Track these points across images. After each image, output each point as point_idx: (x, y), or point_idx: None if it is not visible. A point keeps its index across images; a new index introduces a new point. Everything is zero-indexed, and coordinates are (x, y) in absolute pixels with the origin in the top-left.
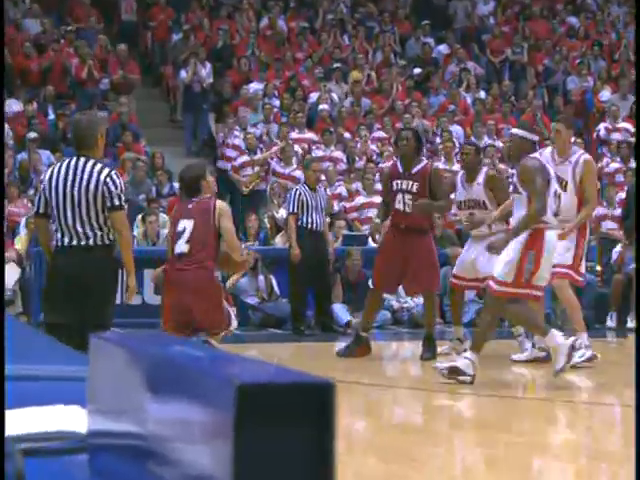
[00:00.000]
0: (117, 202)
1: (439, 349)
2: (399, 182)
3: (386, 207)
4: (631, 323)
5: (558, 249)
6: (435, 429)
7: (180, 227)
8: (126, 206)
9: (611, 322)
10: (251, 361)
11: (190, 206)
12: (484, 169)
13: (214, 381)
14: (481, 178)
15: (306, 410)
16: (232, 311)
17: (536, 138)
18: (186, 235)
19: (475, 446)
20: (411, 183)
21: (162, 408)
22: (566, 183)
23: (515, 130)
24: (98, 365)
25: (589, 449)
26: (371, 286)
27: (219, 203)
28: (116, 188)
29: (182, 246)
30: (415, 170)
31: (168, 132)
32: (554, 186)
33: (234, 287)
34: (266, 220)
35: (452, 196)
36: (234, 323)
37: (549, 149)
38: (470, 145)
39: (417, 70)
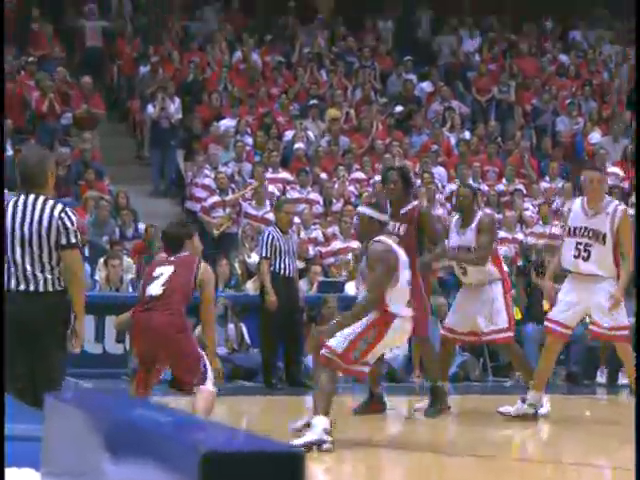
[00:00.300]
0: (73, 239)
1: (418, 404)
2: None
3: None
4: (623, 379)
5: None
6: None
7: (157, 273)
8: (81, 247)
9: (601, 378)
10: (217, 426)
11: (171, 258)
12: (479, 214)
13: (178, 447)
14: (474, 223)
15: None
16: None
17: (385, 218)
18: (162, 279)
19: None
20: (398, 225)
21: (122, 473)
22: (604, 236)
23: (362, 209)
24: (54, 426)
25: None
26: None
27: (204, 265)
28: (72, 224)
29: (156, 288)
30: (403, 211)
31: (134, 170)
32: (405, 274)
33: (201, 335)
34: (237, 265)
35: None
36: (209, 377)
37: (578, 201)
38: (467, 188)
39: (398, 108)
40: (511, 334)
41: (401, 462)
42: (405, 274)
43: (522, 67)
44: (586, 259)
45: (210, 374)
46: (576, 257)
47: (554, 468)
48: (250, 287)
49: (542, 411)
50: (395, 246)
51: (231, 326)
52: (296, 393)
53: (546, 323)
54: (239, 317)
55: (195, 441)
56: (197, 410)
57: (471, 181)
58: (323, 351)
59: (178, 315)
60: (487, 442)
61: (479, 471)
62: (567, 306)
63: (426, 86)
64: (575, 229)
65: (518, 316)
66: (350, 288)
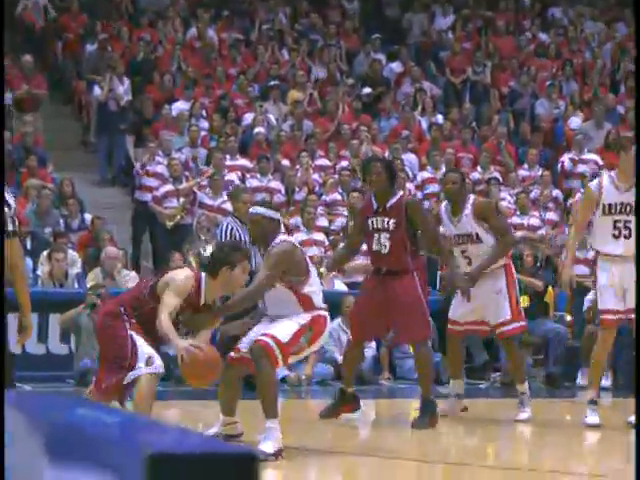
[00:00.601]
0: (11, 227)
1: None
2: (374, 220)
3: (349, 248)
4: (605, 382)
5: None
6: None
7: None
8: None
9: (582, 380)
10: (165, 427)
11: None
12: (471, 198)
13: (122, 449)
14: (468, 209)
15: None
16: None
17: (277, 216)
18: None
19: None
20: (387, 220)
21: (62, 477)
22: None
23: (255, 209)
24: None
25: None
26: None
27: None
28: (9, 209)
29: None
30: (390, 204)
31: (79, 156)
32: (314, 275)
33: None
34: (192, 258)
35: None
36: (155, 362)
37: (606, 177)
38: (455, 173)
39: (366, 90)
40: (516, 325)
41: (367, 467)
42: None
43: (498, 46)
44: (628, 237)
45: (141, 355)
46: (616, 237)
47: (530, 476)
48: None
49: (523, 416)
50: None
51: None
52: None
53: (602, 317)
54: None
55: (140, 442)
56: (135, 403)
57: (444, 169)
58: (266, 339)
59: (110, 312)
60: (460, 448)
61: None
62: (614, 291)
63: (395, 66)
64: (610, 206)
65: (525, 303)
66: None
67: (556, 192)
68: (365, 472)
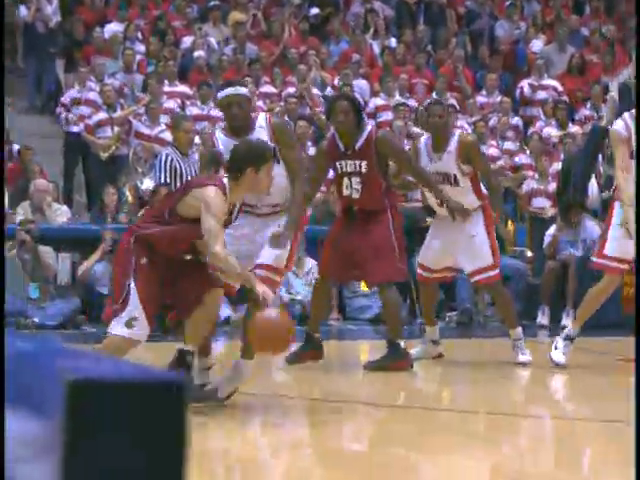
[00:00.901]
0: None
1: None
2: (343, 164)
3: (313, 186)
4: (566, 320)
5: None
6: (330, 446)
7: None
8: None
9: (542, 318)
10: (87, 354)
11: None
12: (456, 133)
13: (39, 375)
14: (453, 145)
15: (151, 411)
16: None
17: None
18: None
19: (378, 469)
20: (358, 163)
21: None
22: None
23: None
24: None
25: (513, 470)
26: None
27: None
28: None
29: None
30: (359, 145)
31: (6, 82)
32: None
33: (87, 274)
34: (127, 192)
35: None
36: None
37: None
38: (440, 105)
39: (314, 11)
40: (496, 272)
41: (314, 411)
42: None
43: None
44: None
45: (127, 312)
46: None
47: (487, 419)
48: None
49: (522, 359)
50: None
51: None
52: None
53: (602, 261)
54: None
55: (59, 368)
56: None
57: (397, 95)
58: (264, 272)
59: None
60: (414, 391)
61: (405, 424)
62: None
63: None
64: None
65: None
66: None
67: (516, 120)
68: (312, 416)
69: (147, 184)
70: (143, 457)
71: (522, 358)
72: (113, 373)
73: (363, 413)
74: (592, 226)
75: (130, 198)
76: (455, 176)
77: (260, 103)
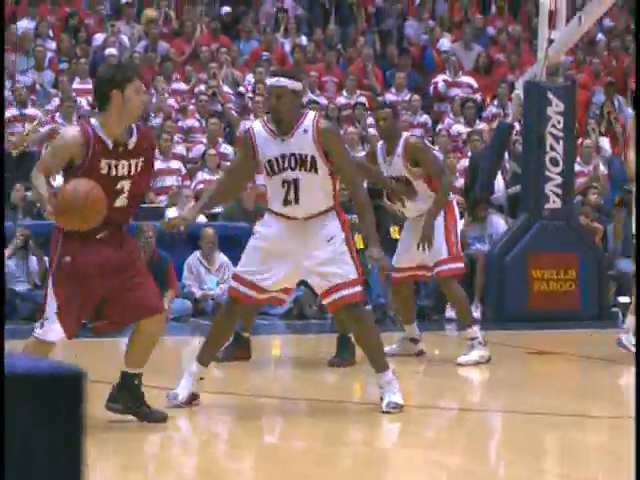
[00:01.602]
0: None
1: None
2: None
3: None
4: (475, 313)
5: None
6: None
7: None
8: None
9: (450, 312)
10: None
11: None
12: (403, 136)
13: None
14: (400, 149)
15: (51, 403)
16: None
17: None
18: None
19: (287, 463)
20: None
21: None
22: None
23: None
24: None
25: (422, 460)
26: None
27: None
28: None
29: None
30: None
31: None
32: None
33: None
34: None
35: None
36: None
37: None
38: (385, 108)
39: (225, 9)
40: (454, 266)
41: (228, 405)
42: None
43: None
44: None
45: (48, 315)
46: None
47: (401, 412)
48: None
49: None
50: None
51: (33, 259)
52: (112, 335)
53: None
54: (42, 249)
55: None
56: None
57: (309, 93)
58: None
59: None
60: (324, 385)
61: (315, 417)
62: None
63: None
64: None
65: (395, 235)
66: (172, 215)
67: (424, 117)
68: (226, 410)
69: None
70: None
71: (472, 357)
72: (14, 366)
73: (273, 406)
74: (498, 221)
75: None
76: (406, 178)
77: (172, 101)
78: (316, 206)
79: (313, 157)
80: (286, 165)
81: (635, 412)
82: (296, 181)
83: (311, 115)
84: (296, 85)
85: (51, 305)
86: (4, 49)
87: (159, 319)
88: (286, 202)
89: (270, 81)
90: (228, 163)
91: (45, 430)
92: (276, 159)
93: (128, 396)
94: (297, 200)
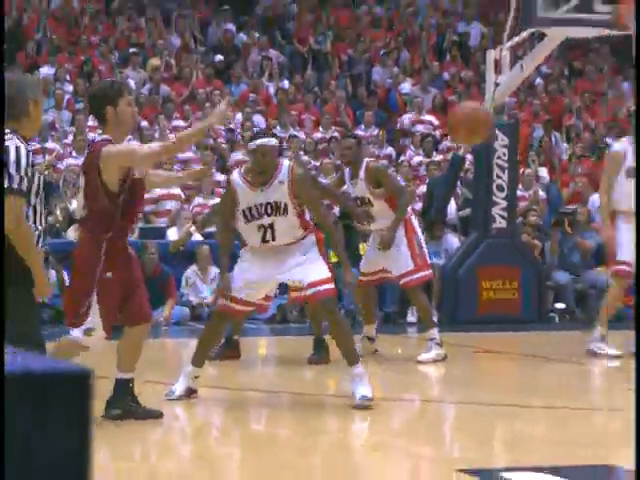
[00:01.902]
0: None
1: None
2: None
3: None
4: (435, 317)
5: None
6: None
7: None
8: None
9: (412, 317)
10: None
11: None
12: (365, 161)
13: None
14: (362, 173)
15: (57, 402)
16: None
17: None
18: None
19: (272, 448)
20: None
21: None
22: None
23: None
24: None
25: (390, 446)
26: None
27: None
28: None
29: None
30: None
31: None
32: None
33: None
34: (58, 212)
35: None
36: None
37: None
38: (349, 139)
39: (218, 57)
40: (419, 275)
41: (217, 400)
42: None
43: (337, 18)
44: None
45: (90, 319)
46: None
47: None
48: (71, 234)
49: (426, 357)
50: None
51: (53, 272)
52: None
53: (618, 267)
54: (61, 263)
55: None
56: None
57: (291, 129)
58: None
59: None
60: (304, 381)
61: (291, 409)
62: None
63: (244, 36)
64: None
65: (364, 251)
66: (172, 234)
67: (389, 150)
68: (218, 403)
69: (75, 205)
70: (45, 439)
71: (431, 355)
72: (22, 365)
73: (260, 400)
74: (452, 239)
75: (60, 217)
76: (369, 199)
77: (172, 136)
78: (292, 238)
79: (286, 204)
80: (262, 212)
81: (635, 412)
82: (272, 225)
83: (286, 165)
84: (276, 142)
85: (95, 313)
86: (4, 50)
87: (148, 327)
88: (264, 241)
89: (260, 141)
90: (221, 190)
91: (45, 430)
92: (255, 206)
93: (125, 399)
94: (274, 239)
